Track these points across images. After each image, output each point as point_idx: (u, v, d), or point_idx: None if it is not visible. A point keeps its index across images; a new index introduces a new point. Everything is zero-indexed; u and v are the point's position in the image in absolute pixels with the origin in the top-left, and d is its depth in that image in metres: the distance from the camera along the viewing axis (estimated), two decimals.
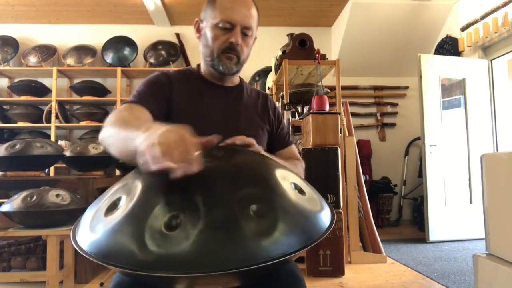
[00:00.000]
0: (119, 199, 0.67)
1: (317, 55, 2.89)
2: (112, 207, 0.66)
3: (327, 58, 3.19)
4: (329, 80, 4.17)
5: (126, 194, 0.67)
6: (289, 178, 0.74)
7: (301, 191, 0.72)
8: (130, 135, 0.72)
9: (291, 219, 0.62)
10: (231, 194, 0.62)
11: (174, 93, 1.05)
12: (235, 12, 1.01)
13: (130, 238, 0.58)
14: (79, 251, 0.63)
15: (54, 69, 4.30)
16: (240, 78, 1.20)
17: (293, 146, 1.23)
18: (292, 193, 0.68)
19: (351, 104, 4.60)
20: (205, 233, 0.56)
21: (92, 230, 0.64)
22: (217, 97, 1.10)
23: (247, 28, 1.03)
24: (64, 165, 3.78)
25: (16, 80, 4.54)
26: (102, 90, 4.43)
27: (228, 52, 1.03)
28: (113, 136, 0.82)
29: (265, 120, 1.16)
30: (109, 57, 4.59)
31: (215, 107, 1.08)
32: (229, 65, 1.05)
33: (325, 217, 0.69)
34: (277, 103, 1.30)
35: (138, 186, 0.66)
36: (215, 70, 1.07)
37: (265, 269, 0.57)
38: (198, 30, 1.10)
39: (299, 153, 2.45)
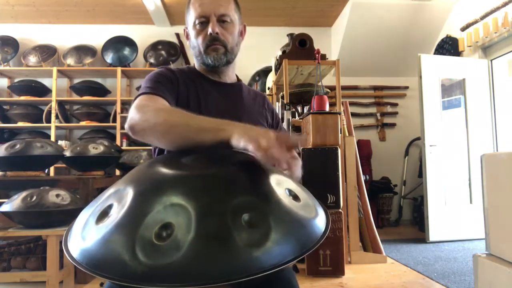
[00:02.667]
0: (110, 207, 0.66)
1: (317, 55, 2.89)
2: (103, 215, 0.65)
3: (327, 58, 3.19)
4: (329, 80, 4.17)
5: (117, 201, 0.66)
6: (283, 183, 0.73)
7: (295, 197, 0.71)
8: (207, 126, 0.81)
9: (285, 228, 0.61)
10: (224, 203, 0.61)
11: (180, 88, 1.07)
12: (205, 5, 1.03)
13: (120, 248, 0.57)
14: (70, 260, 0.62)
15: (54, 69, 4.30)
16: (237, 77, 1.20)
17: None
18: (286, 200, 0.67)
19: (351, 104, 4.60)
20: (196, 244, 0.55)
21: (83, 238, 0.64)
22: (217, 93, 1.10)
23: (222, 15, 1.04)
24: (64, 165, 3.78)
25: (16, 80, 4.54)
26: (102, 90, 4.43)
27: (212, 44, 1.04)
28: (175, 126, 0.83)
29: (262, 120, 1.16)
30: (109, 57, 4.59)
31: (216, 104, 1.08)
32: (217, 56, 1.05)
33: (320, 224, 0.68)
34: (277, 103, 1.30)
35: (130, 193, 0.65)
36: (206, 66, 1.08)
37: (259, 279, 0.56)
38: (187, 37, 1.13)
39: (299, 153, 2.45)
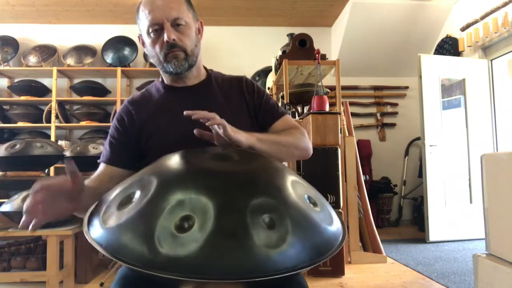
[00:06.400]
0: (133, 193, 0.67)
1: (317, 55, 2.89)
2: (126, 201, 0.66)
3: (327, 58, 3.19)
4: (329, 80, 4.17)
5: (141, 189, 0.67)
6: (304, 190, 0.73)
7: (314, 204, 0.71)
8: None
9: (302, 233, 0.62)
10: (245, 202, 0.61)
11: (138, 120, 1.05)
12: (155, 11, 0.98)
13: (140, 235, 0.58)
14: (91, 242, 0.63)
15: (54, 69, 4.30)
16: (207, 70, 1.15)
17: (287, 117, 1.15)
18: (305, 205, 0.68)
19: (351, 104, 4.59)
20: (215, 239, 0.56)
21: (104, 222, 0.65)
22: (182, 101, 1.06)
23: (175, 18, 0.99)
24: (64, 165, 3.78)
25: (16, 80, 4.54)
26: (102, 90, 4.43)
27: (170, 51, 1.00)
28: None
29: (242, 105, 1.10)
30: (109, 57, 4.59)
31: (181, 113, 1.03)
32: (177, 63, 1.01)
33: (336, 233, 0.69)
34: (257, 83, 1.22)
35: (153, 183, 0.66)
36: (169, 74, 1.04)
37: (273, 281, 0.56)
38: (143, 44, 1.07)
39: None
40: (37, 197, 0.72)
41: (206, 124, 0.87)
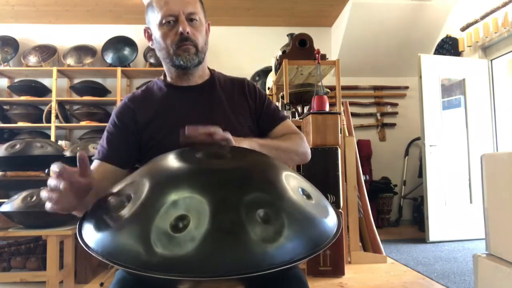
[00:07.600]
0: (126, 197, 0.67)
1: (317, 55, 2.89)
2: (119, 205, 0.66)
3: (327, 58, 3.19)
4: (329, 80, 4.17)
5: (134, 192, 0.67)
6: (297, 182, 0.74)
7: (308, 197, 0.71)
8: None
9: (298, 226, 0.62)
10: (239, 198, 0.61)
11: (139, 117, 1.04)
12: (171, 3, 0.98)
13: (135, 237, 0.58)
14: (85, 247, 0.63)
15: (54, 69, 4.30)
16: (211, 70, 1.15)
17: (287, 122, 1.16)
18: (300, 199, 0.68)
19: (351, 104, 4.59)
20: (210, 237, 0.56)
21: (98, 227, 0.65)
22: (185, 101, 1.06)
23: (191, 13, 1.00)
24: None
25: (16, 80, 4.54)
26: (102, 90, 4.43)
27: (183, 44, 0.99)
28: None
29: (244, 107, 1.11)
30: (109, 57, 4.59)
31: (184, 113, 1.05)
32: (189, 57, 1.00)
33: (331, 224, 0.69)
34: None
35: (146, 185, 0.66)
36: (178, 68, 1.03)
37: (270, 275, 0.56)
38: (149, 38, 1.07)
39: None
40: (63, 185, 0.66)
41: (213, 137, 0.86)
